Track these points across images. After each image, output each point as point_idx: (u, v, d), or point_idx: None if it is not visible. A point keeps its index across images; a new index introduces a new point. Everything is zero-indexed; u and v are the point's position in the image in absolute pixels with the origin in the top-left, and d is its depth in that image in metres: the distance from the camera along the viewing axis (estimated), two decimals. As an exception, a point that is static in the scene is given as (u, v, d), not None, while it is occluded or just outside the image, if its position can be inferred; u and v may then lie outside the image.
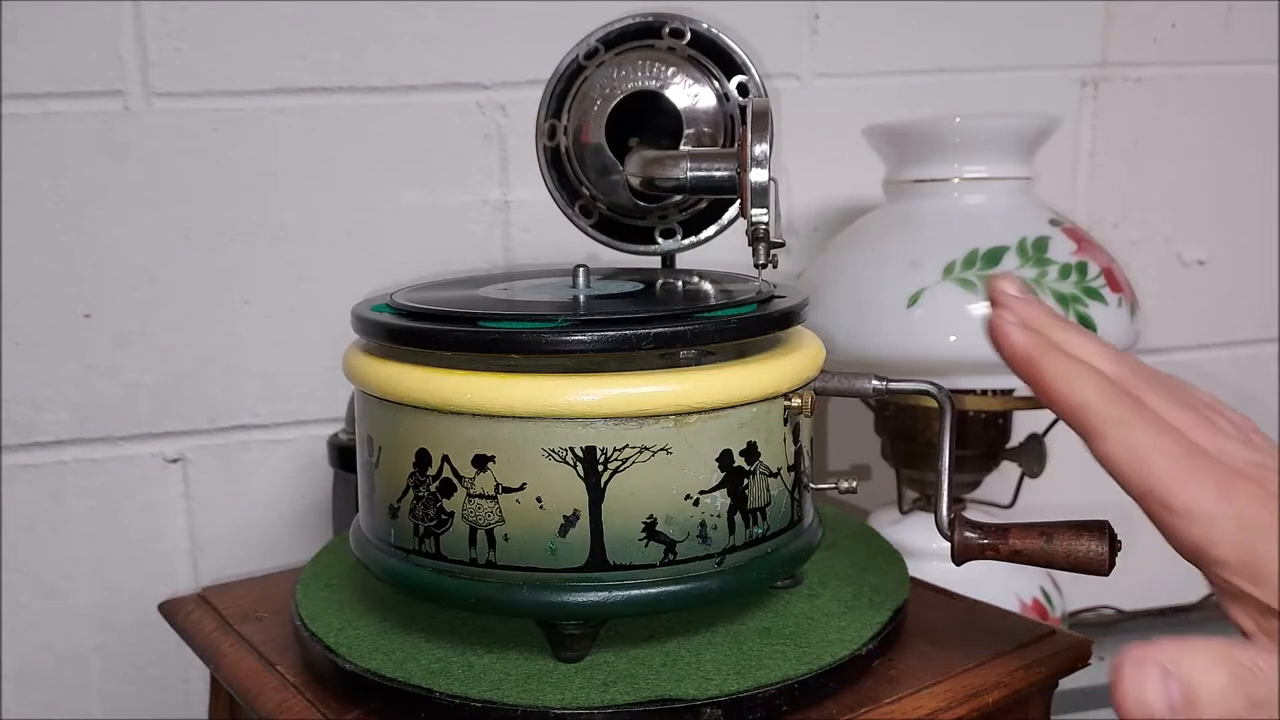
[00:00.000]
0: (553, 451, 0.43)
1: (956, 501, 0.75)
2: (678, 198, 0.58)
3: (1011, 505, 0.75)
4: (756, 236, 0.47)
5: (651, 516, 0.43)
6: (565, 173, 0.60)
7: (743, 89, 0.58)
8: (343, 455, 0.67)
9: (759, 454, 0.45)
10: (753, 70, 0.58)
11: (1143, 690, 0.31)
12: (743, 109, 0.57)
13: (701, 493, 0.44)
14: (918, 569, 0.56)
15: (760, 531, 0.46)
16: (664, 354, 0.45)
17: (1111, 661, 0.32)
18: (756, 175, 0.47)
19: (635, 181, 0.56)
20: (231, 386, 0.77)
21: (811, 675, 0.44)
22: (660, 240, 0.60)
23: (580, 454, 0.43)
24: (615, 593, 0.43)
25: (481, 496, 0.43)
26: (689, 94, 0.58)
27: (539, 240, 0.80)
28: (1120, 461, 0.34)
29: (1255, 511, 0.32)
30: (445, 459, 0.44)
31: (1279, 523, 0.32)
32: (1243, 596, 0.33)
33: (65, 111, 0.71)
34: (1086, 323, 0.65)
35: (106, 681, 0.78)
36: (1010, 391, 0.68)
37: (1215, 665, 0.31)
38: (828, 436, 0.89)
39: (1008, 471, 0.75)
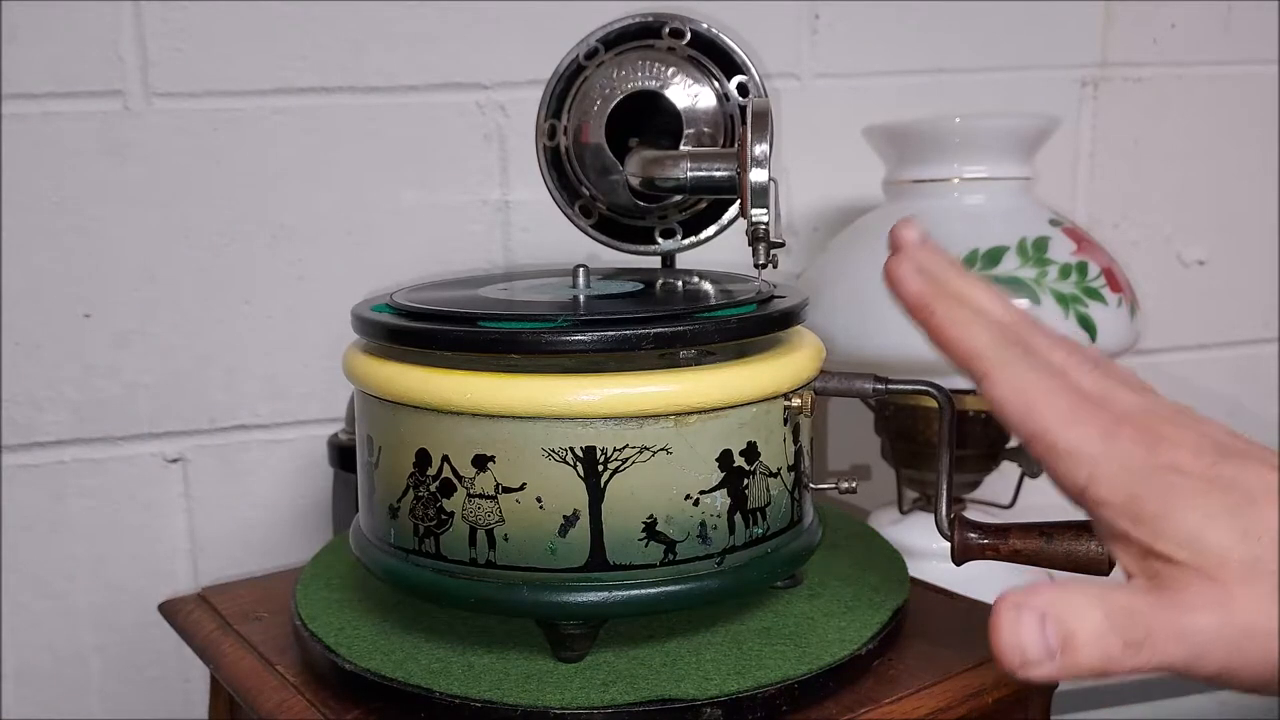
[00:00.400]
0: (552, 451, 0.43)
1: (956, 501, 0.75)
2: (678, 198, 0.58)
3: (1011, 505, 0.75)
4: (756, 236, 0.47)
5: (651, 516, 0.43)
6: (565, 173, 0.60)
7: (743, 89, 0.58)
8: (343, 455, 0.67)
9: (759, 454, 0.45)
10: (753, 70, 0.58)
11: (1018, 634, 0.31)
12: (743, 109, 0.57)
13: (701, 493, 0.44)
14: (918, 569, 0.56)
15: (760, 531, 0.46)
16: (664, 354, 0.45)
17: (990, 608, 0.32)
18: (756, 175, 0.47)
19: (635, 181, 0.56)
20: (231, 386, 0.77)
21: (811, 675, 0.44)
22: (660, 240, 0.60)
23: (580, 454, 0.43)
24: (615, 593, 0.43)
25: (481, 496, 0.43)
26: (689, 94, 0.58)
27: (539, 240, 0.80)
28: (1007, 404, 0.34)
29: (1137, 453, 0.33)
30: (445, 459, 0.44)
31: (1159, 464, 0.32)
32: (1124, 537, 0.33)
33: (65, 111, 0.71)
34: (1086, 323, 0.65)
35: (106, 681, 0.78)
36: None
37: (1091, 608, 0.31)
38: (828, 436, 0.89)
39: (1008, 471, 0.75)
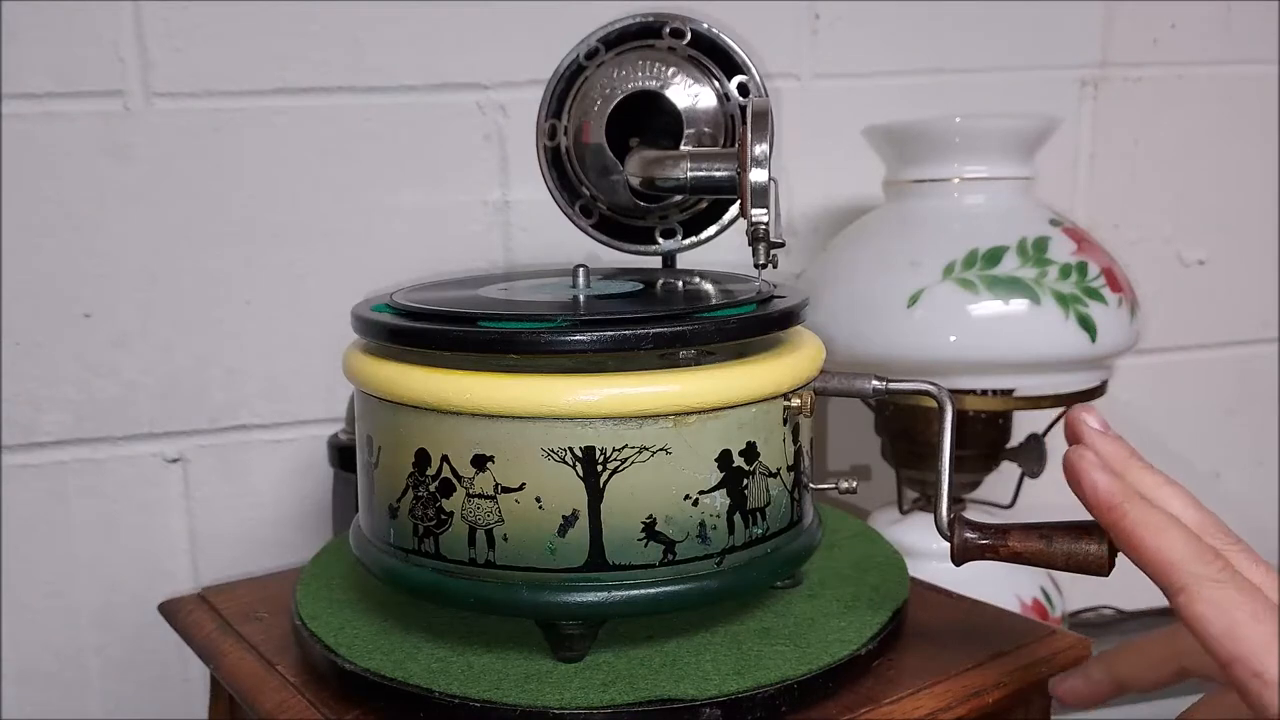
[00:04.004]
0: (552, 451, 0.43)
1: (956, 501, 0.75)
2: (678, 198, 0.58)
3: (1011, 505, 0.75)
4: (756, 236, 0.47)
5: (651, 516, 0.43)
6: (565, 173, 0.60)
7: (743, 89, 0.58)
8: (343, 455, 0.67)
9: (758, 454, 0.45)
10: (753, 70, 0.58)
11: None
12: (743, 109, 0.57)
13: (701, 493, 0.44)
14: (918, 569, 0.56)
15: (760, 531, 0.46)
16: (663, 354, 0.45)
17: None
18: (756, 175, 0.47)
19: (635, 181, 0.56)
20: (231, 386, 0.77)
21: (811, 675, 0.44)
22: (660, 240, 0.60)
23: (579, 454, 0.43)
24: (615, 593, 0.43)
25: (481, 496, 0.43)
26: (689, 94, 0.58)
27: (539, 240, 0.80)
28: (1208, 623, 0.33)
29: None
30: (445, 459, 0.44)
31: None
32: None
33: (65, 111, 0.71)
34: (1086, 323, 0.65)
35: (106, 681, 0.78)
36: (1010, 391, 0.68)
37: None
38: (828, 436, 0.89)
39: (1008, 471, 0.75)
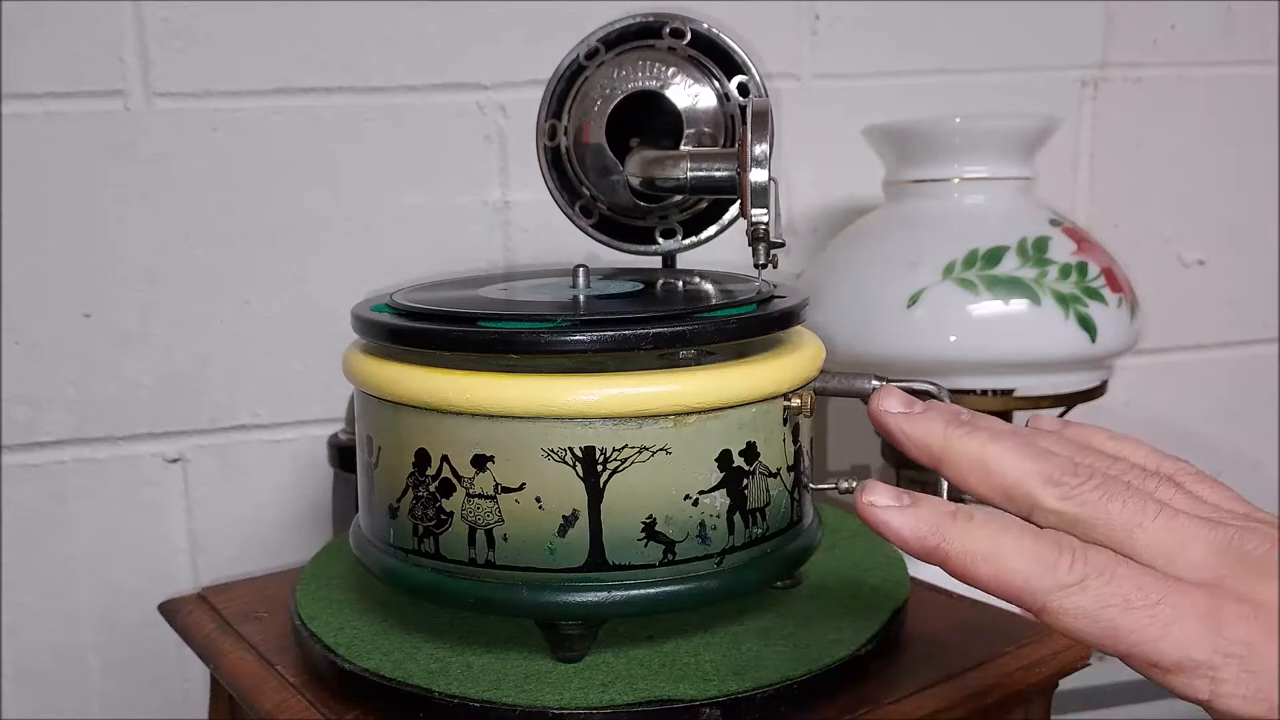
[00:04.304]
0: (552, 451, 0.43)
1: (957, 501, 0.75)
2: (678, 198, 0.58)
3: (1011, 505, 0.75)
4: (756, 236, 0.47)
5: (651, 517, 0.43)
6: (565, 173, 0.60)
7: (743, 89, 0.58)
8: (343, 455, 0.67)
9: (758, 454, 0.45)
10: (753, 70, 0.58)
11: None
12: (743, 109, 0.57)
13: (701, 493, 0.44)
14: (918, 569, 0.56)
15: (760, 532, 0.46)
16: (663, 354, 0.45)
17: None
18: (756, 175, 0.47)
19: (635, 181, 0.56)
20: (231, 386, 0.77)
21: (811, 676, 0.44)
22: (660, 240, 0.60)
23: (579, 454, 0.43)
24: (614, 593, 0.43)
25: (481, 496, 0.43)
26: (689, 94, 0.58)
27: (539, 240, 0.80)
28: (1085, 634, 0.28)
29: (1256, 639, 0.26)
30: (444, 459, 0.44)
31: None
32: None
33: (66, 111, 0.71)
34: (1086, 323, 0.65)
35: (106, 681, 0.78)
36: (1010, 391, 0.68)
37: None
38: (828, 436, 0.89)
39: (1008, 472, 0.75)
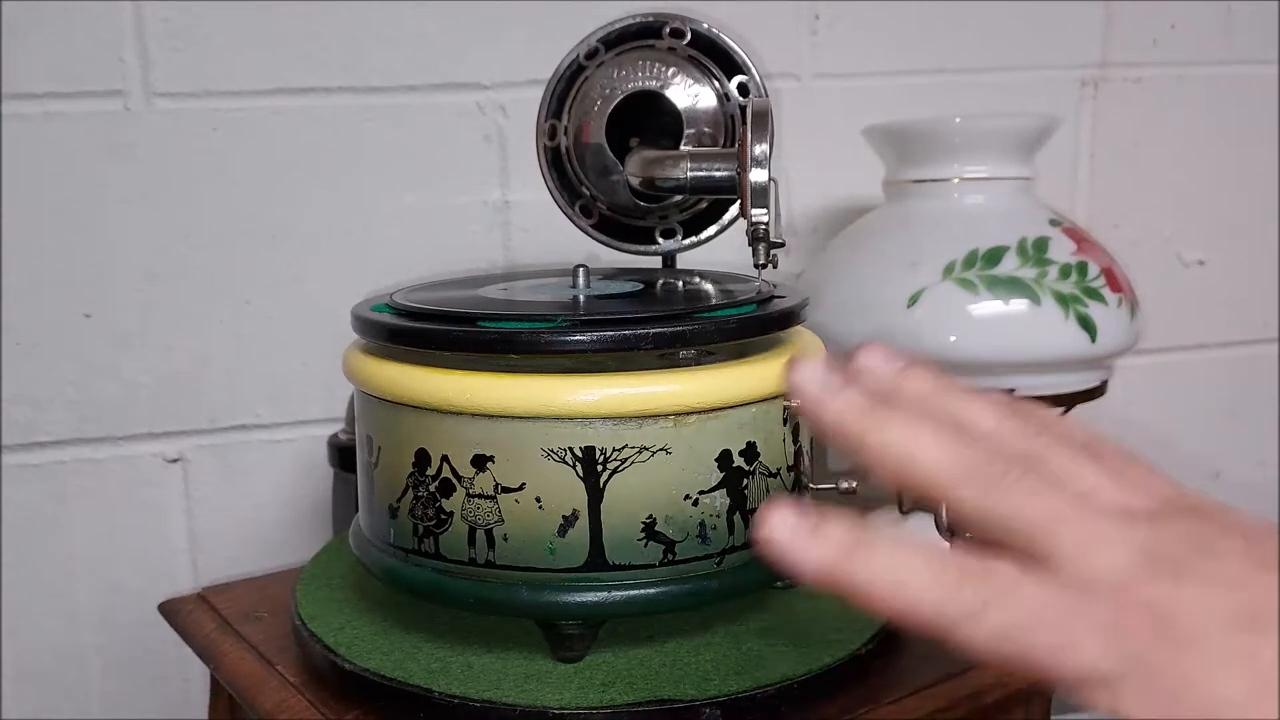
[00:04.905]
0: (552, 451, 0.43)
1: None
2: (678, 198, 0.58)
3: (1011, 505, 0.75)
4: (756, 236, 0.47)
5: (651, 517, 0.43)
6: (565, 173, 0.60)
7: (743, 89, 0.58)
8: (343, 455, 0.67)
9: (758, 454, 0.45)
10: (753, 70, 0.58)
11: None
12: (743, 109, 0.57)
13: (701, 493, 0.44)
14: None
15: (760, 531, 0.46)
16: (663, 354, 0.45)
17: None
18: (756, 175, 0.47)
19: (635, 181, 0.56)
20: (231, 386, 0.77)
21: (811, 675, 0.44)
22: (660, 240, 0.60)
23: (579, 454, 0.43)
24: (614, 593, 0.43)
25: (481, 496, 0.43)
26: (689, 94, 0.58)
27: (539, 240, 0.80)
28: (995, 656, 0.27)
29: (1150, 648, 0.25)
30: (445, 459, 0.44)
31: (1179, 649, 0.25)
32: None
33: (65, 111, 0.71)
34: (1086, 323, 0.65)
35: (106, 681, 0.78)
36: (1010, 392, 0.68)
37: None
38: (828, 437, 0.89)
39: (1008, 472, 0.75)
